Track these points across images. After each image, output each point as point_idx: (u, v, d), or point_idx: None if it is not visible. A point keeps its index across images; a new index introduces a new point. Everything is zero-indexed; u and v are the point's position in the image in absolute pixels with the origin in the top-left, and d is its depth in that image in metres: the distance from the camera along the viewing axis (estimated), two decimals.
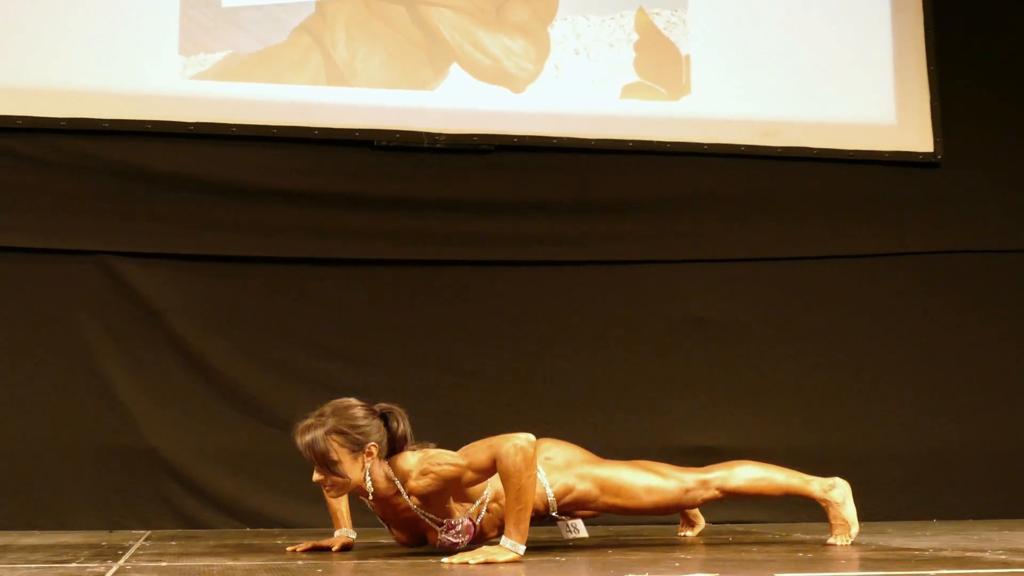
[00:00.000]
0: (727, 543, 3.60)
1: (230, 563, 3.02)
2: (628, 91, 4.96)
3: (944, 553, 3.13)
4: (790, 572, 2.62)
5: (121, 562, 3.02)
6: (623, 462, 3.49)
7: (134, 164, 4.63)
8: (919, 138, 5.19)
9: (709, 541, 3.66)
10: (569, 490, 3.35)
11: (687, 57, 5.02)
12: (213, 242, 4.66)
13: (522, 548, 2.92)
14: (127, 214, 4.60)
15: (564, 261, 4.92)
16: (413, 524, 3.18)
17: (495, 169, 4.90)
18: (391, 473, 3.10)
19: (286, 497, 4.52)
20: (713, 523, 4.20)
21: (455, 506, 3.14)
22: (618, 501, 3.38)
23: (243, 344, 4.64)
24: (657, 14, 5.01)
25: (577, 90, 4.92)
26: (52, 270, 4.54)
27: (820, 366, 5.02)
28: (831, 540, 3.40)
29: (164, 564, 2.96)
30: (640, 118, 4.94)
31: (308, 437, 3.08)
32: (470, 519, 3.14)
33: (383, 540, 3.74)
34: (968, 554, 3.08)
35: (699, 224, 5.02)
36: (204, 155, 4.69)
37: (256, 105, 4.70)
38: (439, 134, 4.83)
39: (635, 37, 4.95)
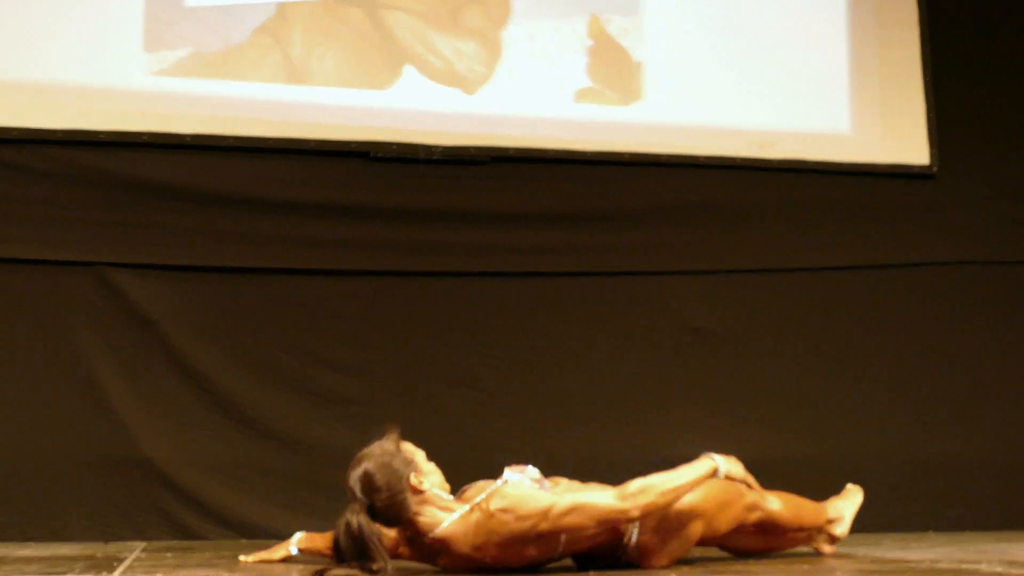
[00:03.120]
0: (725, 557, 3.59)
1: (226, 574, 3.02)
2: (581, 96, 4.97)
3: (940, 565, 3.13)
4: None
5: (116, 574, 3.02)
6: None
7: (128, 175, 4.62)
8: (915, 149, 5.20)
9: (706, 556, 3.65)
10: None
11: (640, 64, 5.03)
12: (209, 252, 4.66)
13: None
14: (122, 224, 4.60)
15: (561, 272, 4.92)
16: None
17: (491, 180, 4.91)
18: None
19: (282, 508, 4.51)
20: None
21: None
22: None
23: (239, 354, 4.63)
24: (609, 20, 5.02)
25: (529, 94, 4.93)
26: (47, 281, 4.53)
27: (817, 377, 5.02)
28: None
29: (161, 572, 2.96)
30: (593, 123, 4.95)
31: None
32: None
33: None
34: (964, 566, 3.08)
35: (695, 235, 5.02)
36: (199, 165, 4.69)
37: (247, 113, 4.70)
38: (435, 146, 4.84)
39: (588, 43, 4.97)
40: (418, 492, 2.91)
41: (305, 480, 4.55)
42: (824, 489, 3.74)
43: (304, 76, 4.76)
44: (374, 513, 2.84)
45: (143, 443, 4.48)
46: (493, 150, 4.88)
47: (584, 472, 4.23)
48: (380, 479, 2.86)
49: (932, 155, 5.20)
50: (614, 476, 4.02)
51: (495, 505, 2.92)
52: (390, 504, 2.86)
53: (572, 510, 2.95)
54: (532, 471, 3.15)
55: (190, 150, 4.68)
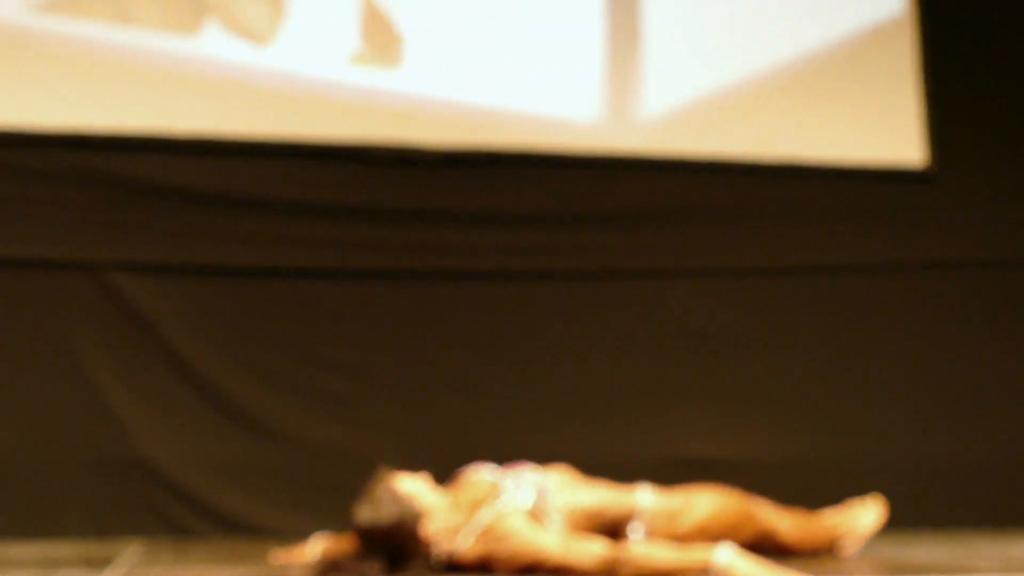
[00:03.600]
0: None
1: (223, 573, 3.02)
2: (353, 60, 4.98)
3: (939, 565, 3.13)
4: None
5: (114, 573, 3.02)
6: None
7: (128, 175, 4.63)
8: (914, 150, 5.19)
9: None
10: None
11: (401, 35, 5.02)
12: (209, 252, 4.66)
13: None
14: (122, 224, 4.60)
15: (561, 273, 4.92)
16: None
17: (490, 180, 4.91)
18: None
19: (281, 508, 4.51)
20: None
21: None
22: None
23: (237, 354, 4.63)
24: None
25: (308, 55, 4.92)
26: (47, 281, 4.54)
27: (816, 377, 5.01)
28: None
29: (159, 570, 2.96)
30: (360, 88, 4.93)
31: None
32: None
33: None
34: (963, 566, 3.07)
35: (695, 235, 5.01)
36: (199, 165, 4.69)
37: (80, 51, 4.69)
38: (434, 149, 4.85)
39: (359, 10, 4.98)
40: (429, 538, 2.98)
41: (305, 480, 4.55)
42: (823, 489, 3.74)
43: (130, 18, 4.77)
44: (390, 560, 2.95)
45: (142, 443, 4.48)
46: (490, 154, 4.89)
47: (584, 473, 4.24)
48: (396, 538, 2.95)
49: (931, 156, 5.19)
50: (614, 477, 4.03)
51: (492, 547, 3.01)
52: (405, 556, 2.96)
53: (558, 568, 3.02)
54: (529, 475, 3.17)
55: (190, 150, 4.69)
